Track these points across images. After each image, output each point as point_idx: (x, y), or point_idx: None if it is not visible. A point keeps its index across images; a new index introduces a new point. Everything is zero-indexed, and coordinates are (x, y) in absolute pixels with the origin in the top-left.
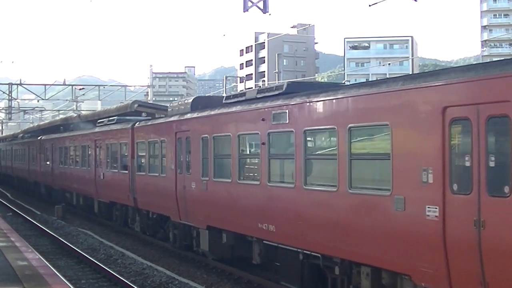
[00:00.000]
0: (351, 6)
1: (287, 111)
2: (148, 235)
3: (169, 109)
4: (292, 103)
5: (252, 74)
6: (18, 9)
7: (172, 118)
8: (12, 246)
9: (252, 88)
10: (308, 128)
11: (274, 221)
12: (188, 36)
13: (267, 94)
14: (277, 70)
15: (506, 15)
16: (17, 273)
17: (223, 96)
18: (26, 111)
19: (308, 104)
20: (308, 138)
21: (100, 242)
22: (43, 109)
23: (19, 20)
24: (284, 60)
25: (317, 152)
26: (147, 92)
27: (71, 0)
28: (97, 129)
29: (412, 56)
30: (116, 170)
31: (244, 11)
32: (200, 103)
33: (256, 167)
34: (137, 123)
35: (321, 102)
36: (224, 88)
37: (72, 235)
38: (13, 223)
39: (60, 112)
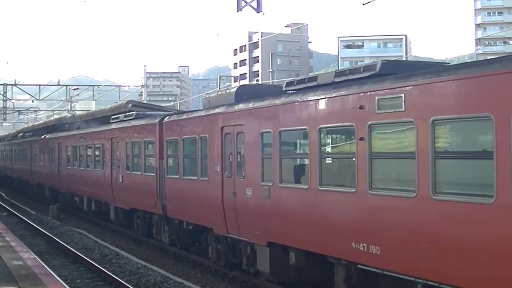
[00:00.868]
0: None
1: (402, 95)
2: (179, 248)
3: (204, 101)
4: (413, 84)
5: (246, 73)
6: (12, 9)
7: (217, 110)
8: (7, 246)
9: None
10: (440, 117)
11: (378, 240)
12: (182, 36)
13: (351, 77)
14: (271, 70)
15: (500, 13)
16: (12, 273)
17: (274, 84)
18: (21, 112)
19: (439, 84)
20: (439, 131)
21: (95, 241)
22: (38, 109)
23: (13, 21)
24: (278, 60)
25: (453, 150)
26: (141, 92)
27: (65, 0)
28: (113, 126)
29: (406, 54)
30: (139, 173)
31: (237, 11)
32: (246, 92)
33: (348, 169)
34: (167, 117)
35: (463, 81)
36: (218, 88)
37: (67, 234)
38: (8, 223)
39: (55, 112)
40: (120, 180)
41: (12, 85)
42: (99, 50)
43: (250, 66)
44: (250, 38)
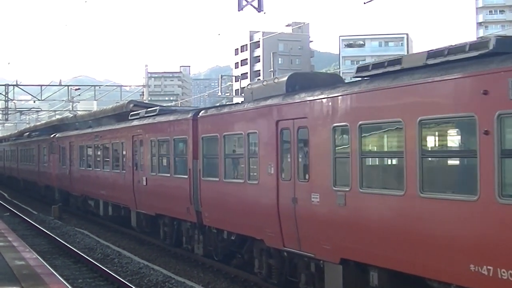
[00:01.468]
0: (346, 4)
1: None
2: (217, 261)
3: (245, 93)
4: None
5: (247, 73)
6: (14, 10)
7: (270, 102)
8: (10, 246)
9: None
10: None
11: None
12: (183, 36)
13: (451, 57)
14: (272, 69)
15: (501, 12)
16: (15, 273)
17: (329, 73)
18: (23, 112)
19: None
20: None
21: (96, 241)
22: (40, 109)
23: (14, 22)
24: (279, 59)
25: None
26: (143, 92)
27: (66, 0)
28: (135, 123)
29: (408, 53)
30: (167, 175)
31: (238, 10)
32: (298, 81)
33: (464, 171)
34: (202, 112)
35: None
36: (220, 87)
37: (69, 234)
38: (10, 223)
39: (56, 112)
40: (144, 183)
41: (13, 85)
42: (101, 50)
43: (252, 66)
44: (251, 38)
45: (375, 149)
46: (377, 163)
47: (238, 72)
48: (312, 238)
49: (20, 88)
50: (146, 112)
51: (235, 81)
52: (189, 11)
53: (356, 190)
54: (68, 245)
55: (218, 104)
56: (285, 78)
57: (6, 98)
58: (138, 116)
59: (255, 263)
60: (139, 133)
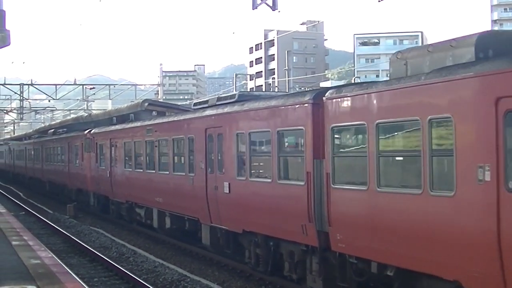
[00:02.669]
0: (360, 2)
1: None
2: None
3: (393, 65)
4: None
5: (262, 71)
6: (28, 10)
7: (473, 72)
8: (25, 245)
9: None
10: None
11: None
12: (198, 35)
13: None
14: (286, 67)
15: None
16: (30, 272)
17: None
18: (38, 111)
19: None
20: None
21: (112, 240)
22: (54, 108)
23: (29, 21)
24: (294, 57)
25: None
26: (158, 91)
27: (80, 0)
28: (208, 112)
29: None
30: (267, 180)
31: (253, 9)
32: (491, 44)
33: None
34: (330, 92)
35: None
36: (234, 86)
37: (84, 233)
38: (25, 222)
39: (71, 111)
40: (226, 190)
41: (28, 85)
42: (115, 49)
43: (266, 64)
44: (265, 36)
45: None
46: None
47: (252, 70)
48: None
49: (35, 88)
50: (218, 99)
51: (250, 80)
52: (204, 10)
53: None
54: (83, 244)
55: (353, 82)
56: (473, 39)
57: (21, 98)
58: (207, 105)
59: None
60: (217, 125)
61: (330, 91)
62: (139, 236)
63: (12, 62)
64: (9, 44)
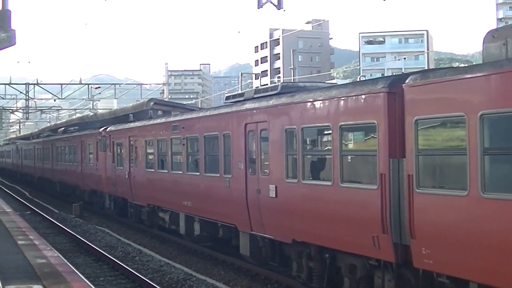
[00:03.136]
0: (366, 1)
1: None
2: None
3: (490, 47)
4: None
5: (267, 70)
6: (34, 9)
7: None
8: (31, 244)
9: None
10: None
11: None
12: (203, 34)
13: None
14: (292, 66)
15: None
16: (36, 271)
17: None
18: (43, 111)
19: None
20: None
21: (117, 239)
22: (60, 108)
23: (35, 21)
24: (299, 56)
25: None
26: (163, 90)
27: None
28: (249, 105)
29: (428, 50)
30: (327, 183)
31: (258, 8)
32: None
33: None
34: (412, 77)
35: None
36: (240, 85)
37: (90, 233)
38: (31, 222)
39: (77, 111)
40: (272, 194)
41: (34, 84)
42: (120, 48)
43: (272, 63)
44: (271, 35)
45: None
46: None
47: (258, 69)
48: None
49: (41, 87)
50: (256, 92)
51: (255, 79)
52: (209, 9)
53: None
54: (89, 243)
55: (445, 67)
56: None
57: (27, 97)
58: (243, 98)
59: None
60: (260, 119)
61: (412, 77)
62: (145, 236)
63: (18, 62)
64: (14, 44)
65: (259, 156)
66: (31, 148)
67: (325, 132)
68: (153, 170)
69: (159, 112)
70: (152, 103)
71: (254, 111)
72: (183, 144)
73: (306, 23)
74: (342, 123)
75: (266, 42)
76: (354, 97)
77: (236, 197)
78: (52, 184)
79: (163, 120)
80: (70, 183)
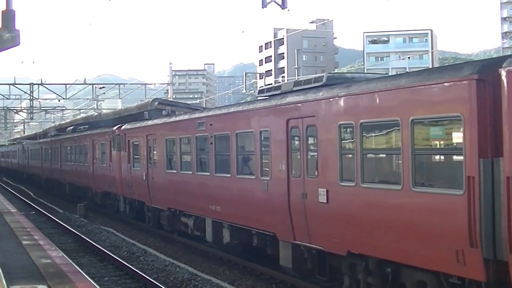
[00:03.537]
0: (370, 0)
1: None
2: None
3: None
4: None
5: (271, 70)
6: (38, 9)
7: None
8: (36, 244)
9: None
10: None
11: None
12: (207, 33)
13: None
14: (296, 66)
15: None
16: (41, 271)
17: None
18: (47, 111)
19: None
20: None
21: (122, 239)
22: (64, 108)
23: (39, 21)
24: (304, 56)
25: None
26: (167, 90)
27: None
28: (290, 99)
29: (432, 49)
30: (395, 187)
31: (262, 7)
32: None
33: None
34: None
35: None
36: (244, 85)
37: (94, 233)
38: (36, 222)
39: (81, 111)
40: (322, 199)
41: (38, 84)
42: (125, 48)
43: (276, 63)
44: (275, 35)
45: None
46: None
47: (262, 69)
48: None
49: (45, 87)
50: (296, 84)
51: (260, 78)
52: (213, 8)
53: None
54: (94, 243)
55: None
56: None
57: (31, 97)
58: (280, 91)
59: None
60: (306, 114)
61: (510, 59)
62: (149, 235)
63: (22, 62)
64: (19, 44)
65: (304, 156)
66: (38, 148)
67: (393, 128)
68: (175, 171)
69: (164, 112)
70: (156, 103)
71: (299, 104)
72: (211, 143)
73: (311, 22)
74: (415, 117)
75: (271, 41)
76: (431, 86)
77: (276, 202)
78: (61, 186)
79: (186, 117)
80: (80, 184)
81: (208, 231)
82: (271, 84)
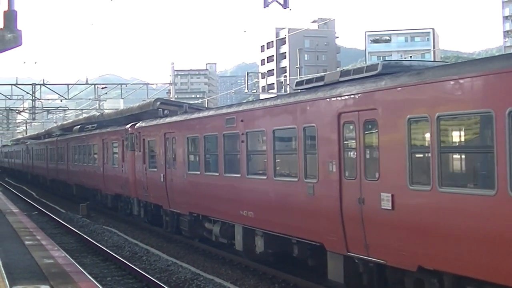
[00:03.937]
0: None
1: None
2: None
3: None
4: None
5: (273, 69)
6: (40, 10)
7: None
8: (38, 245)
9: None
10: None
11: None
12: (209, 33)
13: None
14: (298, 65)
15: None
16: (44, 271)
17: None
18: (50, 111)
19: None
20: None
21: (125, 239)
22: (66, 108)
23: (41, 21)
24: (306, 55)
25: None
26: (169, 90)
27: None
28: (341, 89)
29: (434, 48)
30: (489, 192)
31: (264, 7)
32: None
33: None
34: None
35: None
36: (246, 84)
37: (97, 233)
38: (38, 222)
39: (83, 111)
40: (385, 205)
41: (40, 84)
42: (127, 48)
43: (278, 62)
44: (277, 34)
45: None
46: None
47: (264, 69)
48: None
49: (47, 87)
50: (343, 74)
51: (261, 78)
52: (215, 8)
53: None
54: (96, 243)
55: None
56: None
57: (33, 97)
58: (323, 83)
59: None
60: (363, 107)
61: None
62: (152, 235)
63: (24, 62)
64: (21, 44)
65: (361, 155)
66: (43, 148)
67: (482, 122)
68: (198, 172)
69: (166, 112)
70: (158, 103)
71: (353, 96)
72: (242, 141)
73: (312, 22)
74: None
75: (272, 41)
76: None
77: (324, 208)
78: (67, 187)
79: (212, 112)
80: (89, 186)
81: (238, 239)
82: (272, 83)
